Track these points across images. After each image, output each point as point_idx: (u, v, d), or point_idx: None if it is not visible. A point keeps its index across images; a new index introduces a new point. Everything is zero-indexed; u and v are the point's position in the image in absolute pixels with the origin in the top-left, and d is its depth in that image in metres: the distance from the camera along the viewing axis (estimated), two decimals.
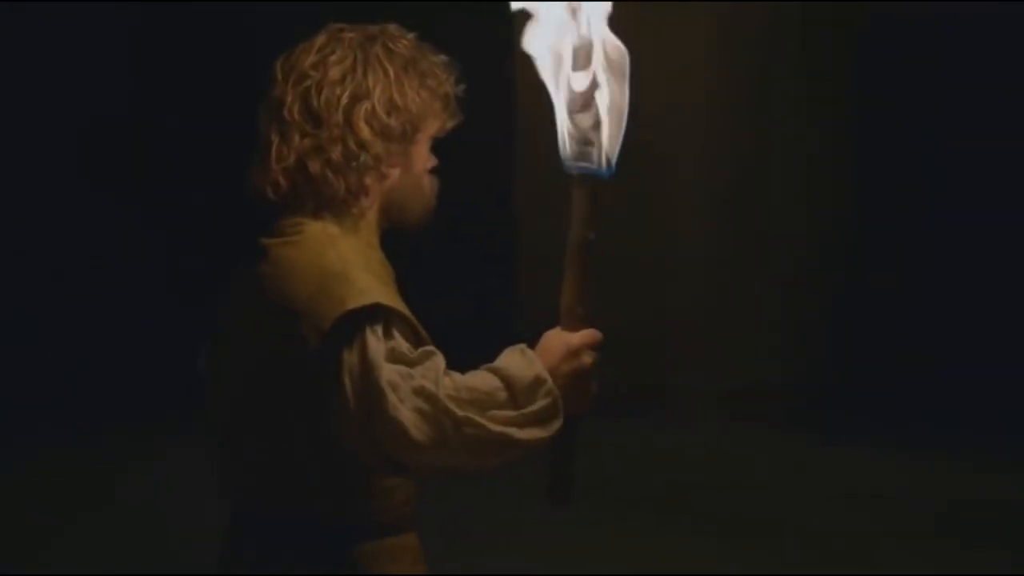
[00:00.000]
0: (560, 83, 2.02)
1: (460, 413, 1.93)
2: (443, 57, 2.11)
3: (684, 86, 7.65)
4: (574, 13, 2.01)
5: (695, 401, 7.65)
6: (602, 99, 2.00)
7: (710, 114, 7.73)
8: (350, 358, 1.92)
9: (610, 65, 2.01)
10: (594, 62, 1.99)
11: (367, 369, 1.92)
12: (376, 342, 1.93)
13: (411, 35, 2.10)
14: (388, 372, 1.92)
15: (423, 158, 2.12)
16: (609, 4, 2.02)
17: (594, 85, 1.99)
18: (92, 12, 7.94)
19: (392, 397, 1.91)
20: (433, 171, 2.14)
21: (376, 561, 2.04)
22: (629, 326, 7.47)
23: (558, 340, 2.03)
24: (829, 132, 8.05)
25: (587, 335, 2.04)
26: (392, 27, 2.11)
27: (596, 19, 2.02)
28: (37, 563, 5.15)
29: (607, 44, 2.02)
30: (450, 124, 2.12)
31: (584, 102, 1.98)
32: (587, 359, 2.04)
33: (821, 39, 7.91)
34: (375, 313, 1.95)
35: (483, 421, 1.94)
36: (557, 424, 1.99)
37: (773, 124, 7.77)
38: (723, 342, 7.73)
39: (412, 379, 1.93)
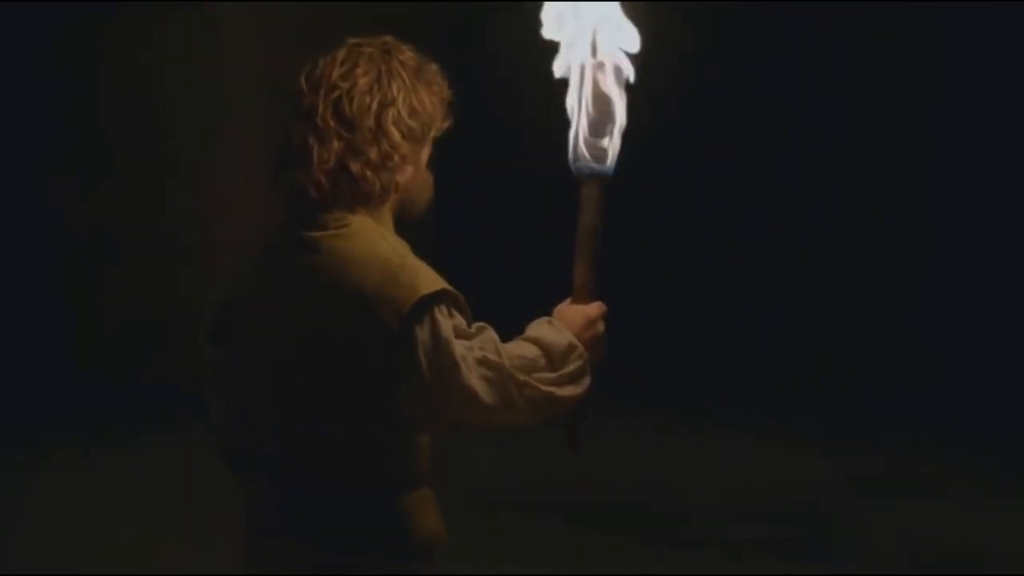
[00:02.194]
0: (578, 98, 2.50)
1: (521, 377, 2.38)
2: (436, 65, 2.51)
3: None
4: (589, 37, 2.51)
5: None
6: (614, 112, 2.50)
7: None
8: (423, 337, 2.33)
9: (617, 80, 2.51)
10: (607, 80, 2.49)
11: (440, 346, 2.33)
12: (445, 321, 2.35)
13: (408, 45, 2.50)
14: (458, 347, 2.34)
15: (427, 156, 2.52)
16: (620, 24, 2.53)
17: (609, 102, 2.50)
18: None
19: (463, 368, 2.33)
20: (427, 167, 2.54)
21: (412, 509, 2.45)
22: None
23: (577, 312, 2.52)
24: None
25: (599, 307, 2.54)
26: (391, 39, 2.50)
27: (608, 40, 2.52)
28: None
29: (618, 60, 2.52)
30: (446, 125, 2.51)
31: (599, 115, 2.49)
32: (601, 326, 2.53)
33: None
34: (442, 297, 2.36)
35: (535, 383, 2.39)
36: (587, 381, 2.47)
37: None
38: None
39: (474, 351, 2.36)
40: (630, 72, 2.51)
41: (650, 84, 8.21)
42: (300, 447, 2.44)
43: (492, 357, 2.37)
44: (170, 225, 8.02)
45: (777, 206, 9.20)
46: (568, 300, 2.56)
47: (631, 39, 2.52)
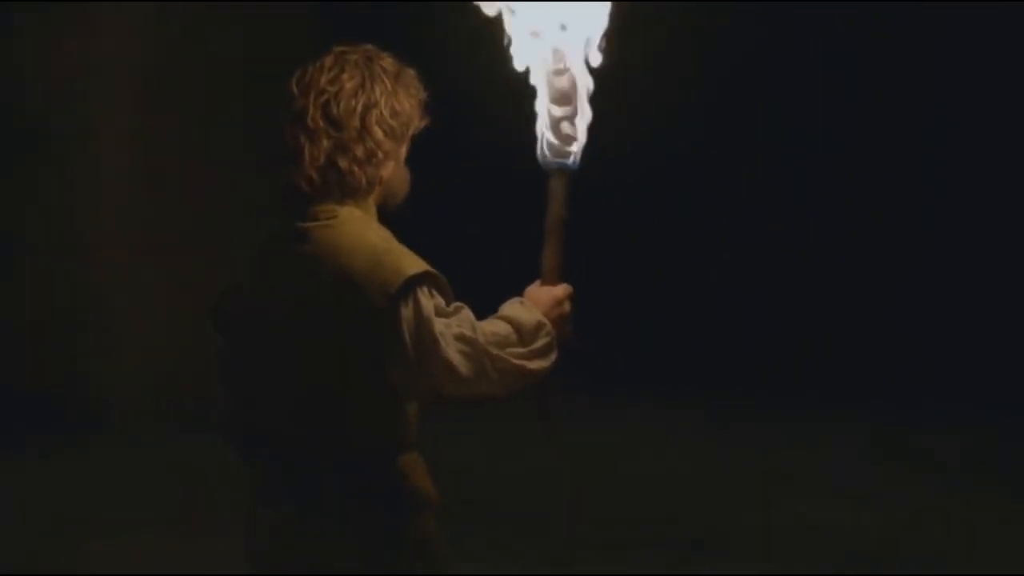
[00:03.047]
0: (545, 95, 2.79)
1: (494, 352, 2.67)
2: (413, 70, 2.80)
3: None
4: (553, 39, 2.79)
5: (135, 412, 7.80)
6: (578, 110, 2.78)
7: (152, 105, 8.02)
8: (407, 314, 2.62)
9: (580, 81, 2.79)
10: (571, 81, 2.77)
11: (422, 323, 2.63)
12: (427, 301, 2.64)
13: (387, 52, 2.79)
14: (437, 324, 2.64)
15: (405, 153, 2.81)
16: (584, 27, 2.80)
17: (574, 101, 2.78)
18: None
19: (442, 343, 2.63)
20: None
21: (407, 471, 2.75)
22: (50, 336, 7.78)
23: (546, 292, 2.82)
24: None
25: (566, 288, 2.83)
26: (371, 47, 2.79)
27: (572, 43, 2.80)
28: None
29: (581, 62, 2.80)
30: (422, 124, 2.81)
31: (564, 112, 2.78)
32: (567, 306, 2.82)
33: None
34: (424, 278, 2.66)
35: (507, 357, 2.69)
36: (554, 356, 2.77)
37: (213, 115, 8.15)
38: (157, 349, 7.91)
39: (452, 328, 2.65)
40: (590, 82, 2.79)
41: (651, 84, 8.27)
42: (301, 422, 2.73)
43: (468, 333, 2.66)
44: (43, 225, 7.93)
45: (777, 206, 9.38)
46: (537, 282, 2.86)
47: (593, 47, 2.79)
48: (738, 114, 9.42)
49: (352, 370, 2.67)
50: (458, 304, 2.71)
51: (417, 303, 2.64)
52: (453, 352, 2.64)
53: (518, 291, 2.83)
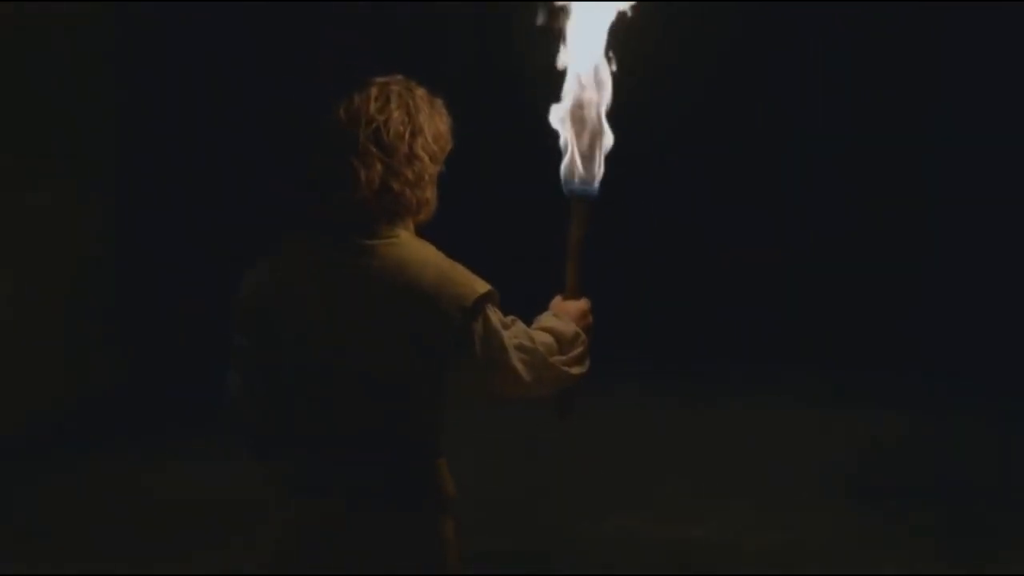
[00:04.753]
0: (575, 126, 3.17)
1: (549, 359, 3.08)
2: (440, 98, 3.12)
3: None
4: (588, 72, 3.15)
5: None
6: (599, 143, 3.14)
7: None
8: (479, 328, 2.99)
9: (601, 115, 3.13)
10: (593, 116, 3.12)
11: (492, 335, 3.00)
12: (494, 315, 3.02)
13: (416, 82, 3.12)
14: (504, 335, 3.02)
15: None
16: (602, 68, 3.15)
17: (595, 135, 3.16)
18: None
19: (509, 352, 3.01)
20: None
21: (441, 473, 3.09)
22: None
23: (573, 306, 3.24)
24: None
25: (588, 302, 3.26)
26: (404, 78, 3.10)
27: (593, 81, 3.14)
28: None
29: (601, 98, 3.15)
30: (450, 147, 3.12)
31: (587, 146, 3.12)
32: (590, 318, 3.25)
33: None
34: (490, 294, 3.03)
35: (556, 364, 3.09)
36: (588, 362, 3.19)
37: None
38: None
39: (512, 339, 3.04)
40: (607, 103, 3.17)
41: (651, 84, 8.44)
42: (348, 423, 3.02)
43: (527, 343, 3.07)
44: None
45: (777, 206, 9.58)
46: (559, 297, 3.28)
47: (608, 88, 3.13)
48: (738, 114, 9.60)
49: (411, 377, 2.99)
50: (512, 317, 3.09)
51: (487, 318, 3.00)
52: (516, 361, 3.03)
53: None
